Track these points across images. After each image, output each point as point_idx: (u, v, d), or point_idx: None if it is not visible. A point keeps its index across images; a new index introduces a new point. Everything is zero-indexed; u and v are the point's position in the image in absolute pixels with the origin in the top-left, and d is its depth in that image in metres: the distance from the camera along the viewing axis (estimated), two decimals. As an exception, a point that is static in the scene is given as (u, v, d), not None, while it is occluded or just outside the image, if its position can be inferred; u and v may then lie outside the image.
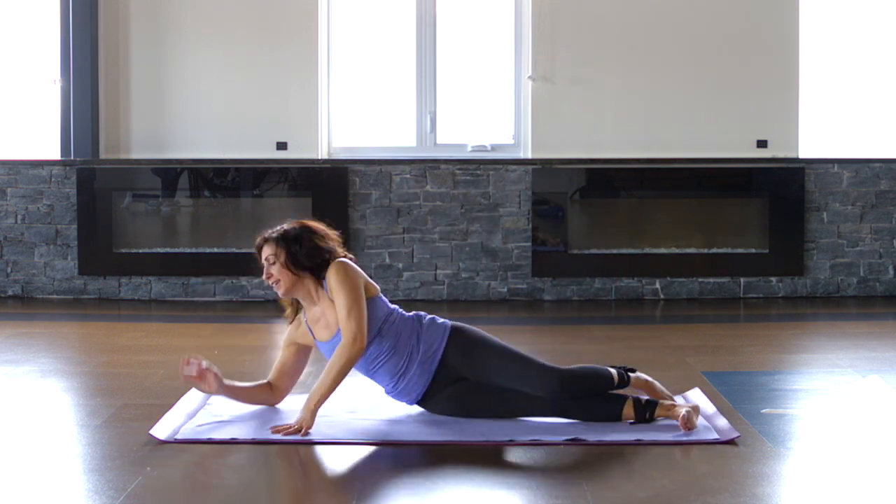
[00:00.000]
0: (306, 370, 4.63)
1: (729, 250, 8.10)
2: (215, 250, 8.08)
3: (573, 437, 4.08)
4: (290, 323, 4.50)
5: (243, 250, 7.94)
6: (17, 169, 8.09)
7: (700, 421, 4.24)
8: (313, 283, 4.32)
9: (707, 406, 4.45)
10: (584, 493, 3.50)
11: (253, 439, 4.09)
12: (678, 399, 4.48)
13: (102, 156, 8.24)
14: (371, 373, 4.37)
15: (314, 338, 4.38)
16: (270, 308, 4.34)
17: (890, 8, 8.39)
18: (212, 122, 8.26)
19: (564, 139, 8.18)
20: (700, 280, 8.05)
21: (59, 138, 8.30)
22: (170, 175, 8.12)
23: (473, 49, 8.42)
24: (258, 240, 4.39)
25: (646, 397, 4.32)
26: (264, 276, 4.33)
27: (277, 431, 4.14)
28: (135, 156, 8.26)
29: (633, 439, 4.06)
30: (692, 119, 8.23)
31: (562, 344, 6.32)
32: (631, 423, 4.24)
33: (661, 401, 4.30)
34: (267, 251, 4.33)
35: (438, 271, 8.03)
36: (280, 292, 4.33)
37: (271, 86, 8.23)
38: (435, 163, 8.05)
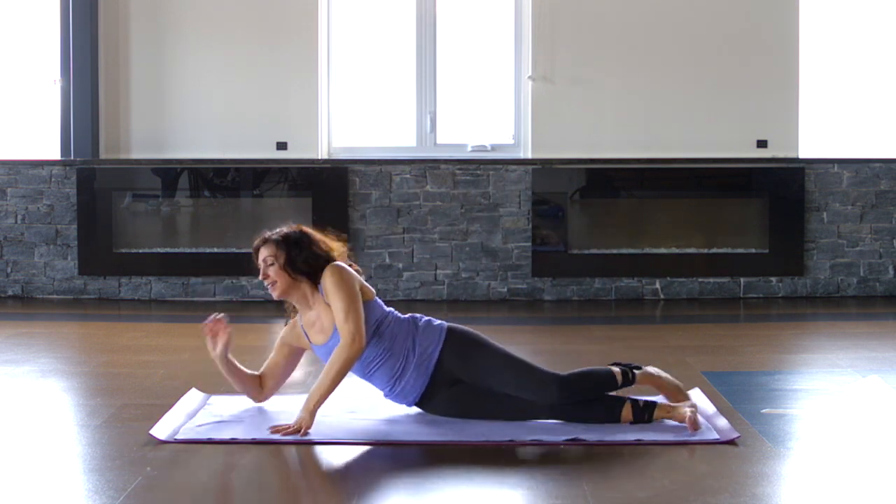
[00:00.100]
0: (306, 370, 4.63)
1: (729, 250, 8.10)
2: (215, 250, 8.08)
3: (573, 437, 4.07)
4: (288, 321, 4.49)
5: (243, 250, 7.91)
6: (17, 169, 8.09)
7: (700, 421, 4.24)
8: (309, 287, 4.33)
9: (707, 406, 4.45)
10: (584, 493, 3.50)
11: (253, 439, 4.09)
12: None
13: (102, 156, 8.24)
14: (368, 376, 4.37)
15: (310, 342, 4.38)
16: (270, 308, 4.35)
17: (890, 8, 8.39)
18: (212, 122, 8.26)
19: (564, 139, 8.18)
20: (700, 280, 8.05)
21: (59, 138, 8.30)
22: (170, 175, 8.12)
23: (473, 49, 8.42)
24: (256, 241, 4.39)
25: (644, 398, 4.31)
26: (261, 277, 4.33)
27: (277, 431, 4.14)
28: (135, 156, 8.26)
29: (633, 439, 4.06)
30: (692, 119, 8.23)
31: (562, 344, 6.32)
32: (630, 424, 4.23)
33: (660, 402, 4.30)
34: (266, 252, 4.33)
35: (438, 271, 8.03)
36: (275, 294, 4.33)
37: (271, 86, 8.23)
38: (435, 163, 8.05)
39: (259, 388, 4.51)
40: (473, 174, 8.03)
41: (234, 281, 7.99)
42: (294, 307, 4.45)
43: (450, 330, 4.37)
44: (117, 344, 6.29)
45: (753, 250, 8.09)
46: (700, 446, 4.01)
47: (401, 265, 8.02)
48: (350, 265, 4.39)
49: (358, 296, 4.26)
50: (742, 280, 8.06)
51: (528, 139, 8.24)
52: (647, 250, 8.10)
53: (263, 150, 8.20)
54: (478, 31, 8.43)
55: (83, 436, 4.22)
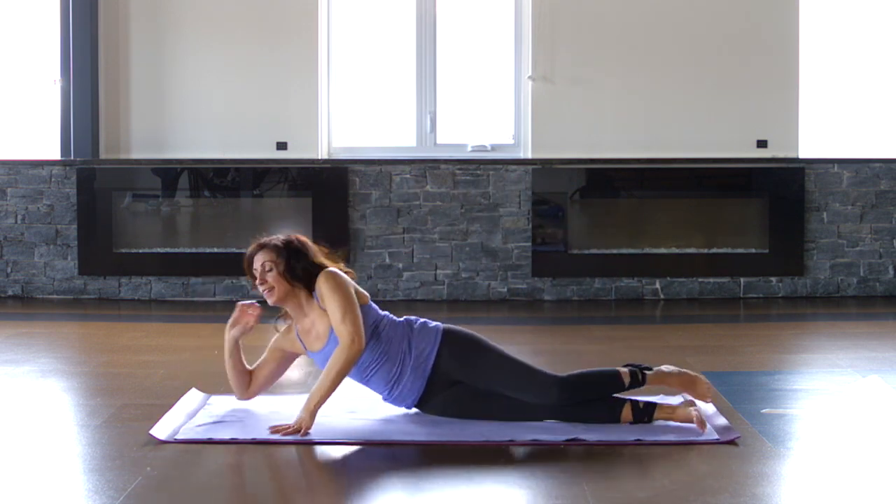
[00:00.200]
0: (306, 370, 4.63)
1: (729, 250, 8.10)
2: (215, 250, 8.08)
3: (573, 437, 4.07)
4: (278, 321, 4.48)
5: (243, 250, 7.88)
6: (17, 169, 8.09)
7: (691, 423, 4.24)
8: (305, 294, 4.33)
9: (707, 406, 4.45)
10: (584, 493, 3.50)
11: (253, 439, 4.09)
12: (685, 398, 4.45)
13: (102, 156, 8.24)
14: (365, 380, 4.37)
15: (305, 348, 4.38)
16: (270, 308, 4.35)
17: (890, 8, 8.39)
18: (212, 122, 8.26)
19: (564, 139, 8.18)
20: (700, 280, 8.05)
21: (59, 138, 8.30)
22: (170, 175, 8.12)
23: (473, 49, 8.42)
24: (251, 247, 4.38)
25: (645, 399, 4.31)
26: (258, 282, 4.31)
27: (277, 431, 4.14)
28: (135, 156, 8.26)
29: (632, 439, 4.06)
30: (692, 119, 8.23)
31: (562, 344, 6.32)
32: (630, 425, 4.23)
33: (661, 403, 4.30)
34: (264, 257, 4.32)
35: (438, 271, 8.03)
36: (272, 300, 4.32)
37: (271, 86, 8.24)
38: (435, 163, 8.05)
39: (248, 385, 4.51)
40: (473, 174, 8.03)
41: (234, 281, 7.99)
42: (286, 314, 4.44)
43: (445, 331, 4.37)
44: (117, 344, 6.29)
45: (753, 250, 8.09)
46: (700, 446, 4.01)
47: (401, 265, 8.02)
48: (346, 272, 4.39)
49: (354, 299, 4.27)
50: (742, 280, 8.06)
51: (528, 139, 8.24)
52: (647, 250, 8.10)
53: (263, 150, 8.20)
54: (478, 31, 8.43)
55: (83, 436, 4.22)
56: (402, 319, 4.41)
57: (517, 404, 4.28)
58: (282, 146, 8.22)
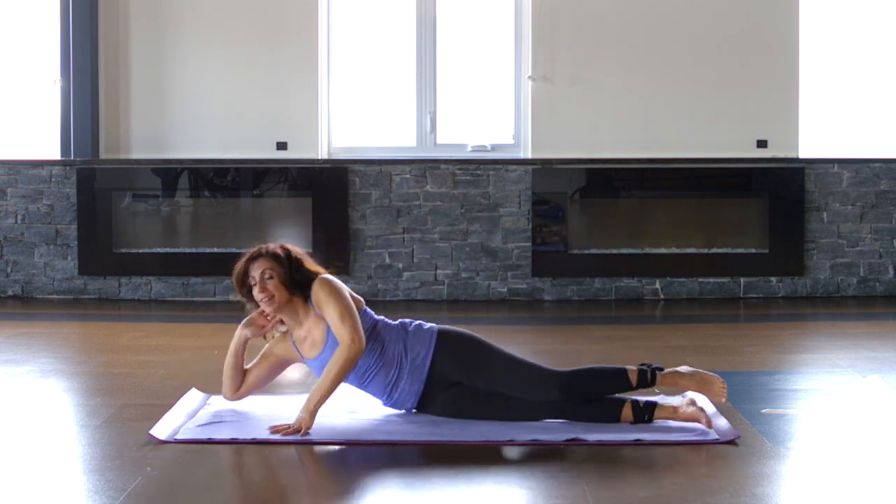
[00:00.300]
0: (305, 370, 4.62)
1: (729, 250, 8.10)
2: (215, 250, 8.08)
3: (573, 437, 4.08)
4: (272, 334, 4.47)
5: (243, 250, 7.90)
6: (17, 169, 8.09)
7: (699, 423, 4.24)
8: (301, 302, 4.33)
9: (707, 406, 4.44)
10: (584, 493, 3.50)
11: (253, 439, 4.09)
12: (685, 397, 4.44)
13: (102, 156, 8.24)
14: (364, 386, 4.37)
15: (301, 356, 4.38)
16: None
17: (890, 8, 8.39)
18: (212, 122, 8.26)
19: (564, 139, 8.18)
20: (700, 280, 8.05)
21: (59, 138, 8.30)
22: (170, 175, 8.12)
23: (473, 49, 8.42)
24: (242, 260, 4.33)
25: (645, 399, 4.31)
26: (258, 291, 4.28)
27: (277, 431, 4.14)
28: (135, 156, 8.26)
29: (632, 439, 4.06)
30: (692, 119, 8.23)
31: (562, 344, 6.32)
32: (630, 424, 4.23)
33: (661, 402, 4.29)
34: (264, 265, 4.30)
35: (438, 271, 8.03)
36: (271, 308, 4.30)
37: (271, 86, 8.24)
38: (435, 163, 8.05)
39: (239, 386, 4.50)
40: (473, 174, 8.03)
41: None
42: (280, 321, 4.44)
43: (441, 332, 4.37)
44: (117, 344, 6.29)
45: (753, 250, 8.09)
46: (700, 446, 4.01)
47: (401, 265, 8.02)
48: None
49: (351, 302, 4.28)
50: (742, 280, 8.06)
51: (528, 139, 8.24)
52: (647, 250, 8.10)
53: (263, 150, 8.20)
54: (478, 31, 8.43)
55: (83, 436, 4.22)
56: (396, 322, 4.41)
57: (517, 404, 4.28)
58: (282, 146, 8.22)
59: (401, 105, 8.43)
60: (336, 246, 7.99)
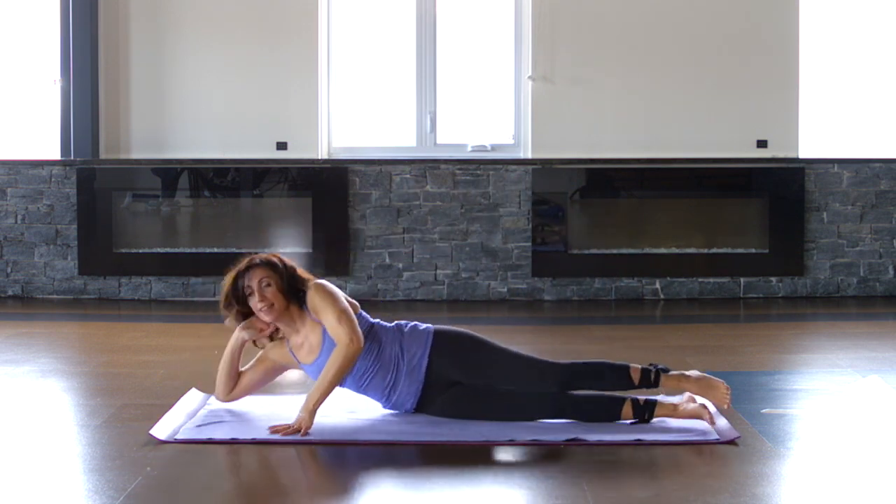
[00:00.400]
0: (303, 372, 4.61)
1: (729, 250, 8.10)
2: (215, 250, 8.08)
3: (573, 437, 4.08)
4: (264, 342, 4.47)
5: (243, 250, 7.93)
6: (17, 169, 8.09)
7: (700, 423, 4.24)
8: (297, 309, 4.33)
9: (707, 406, 4.44)
10: (584, 493, 3.50)
11: (253, 439, 4.09)
12: (683, 397, 4.44)
13: (102, 156, 8.24)
14: (362, 389, 4.37)
15: (298, 362, 4.38)
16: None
17: (890, 8, 8.39)
18: (212, 122, 8.26)
19: (564, 139, 8.18)
20: (700, 280, 8.05)
21: (59, 138, 8.30)
22: (170, 175, 8.12)
23: (473, 49, 8.42)
24: (233, 273, 4.31)
25: (645, 397, 4.31)
26: (257, 300, 4.26)
27: (277, 431, 4.14)
28: (135, 156, 8.26)
29: (632, 439, 4.06)
30: (692, 119, 8.23)
31: (562, 344, 6.32)
32: (631, 423, 4.23)
33: (661, 400, 4.29)
34: (260, 275, 4.28)
35: (438, 271, 8.03)
36: (271, 317, 4.29)
37: (271, 86, 8.24)
38: (435, 163, 8.05)
39: (233, 387, 4.50)
40: (473, 174, 8.03)
41: (234, 281, 7.98)
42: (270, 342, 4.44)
43: (436, 333, 4.37)
44: (117, 344, 6.29)
45: (753, 250, 8.09)
46: (700, 446, 4.01)
47: (401, 265, 8.02)
48: None
49: (347, 304, 4.28)
50: (742, 280, 8.06)
51: (528, 139, 8.24)
52: (647, 250, 8.10)
53: (263, 150, 8.20)
54: (478, 31, 8.43)
55: (83, 436, 4.22)
56: (392, 325, 4.42)
57: (517, 404, 4.28)
58: (282, 146, 8.22)
59: (401, 105, 8.43)
60: (336, 246, 7.99)
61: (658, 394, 4.44)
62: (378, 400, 4.39)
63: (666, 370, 4.35)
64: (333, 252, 7.97)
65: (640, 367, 4.34)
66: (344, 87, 8.43)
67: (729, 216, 8.23)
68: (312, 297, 4.29)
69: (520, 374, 4.29)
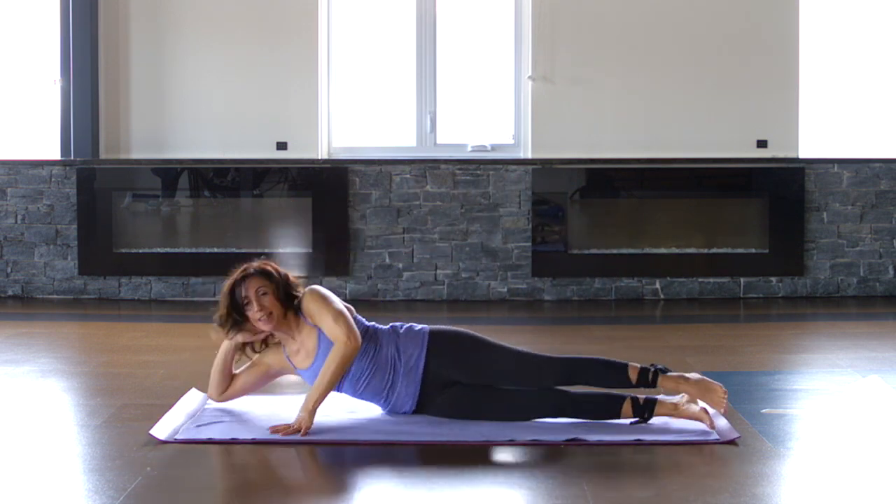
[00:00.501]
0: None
1: (729, 250, 8.10)
2: (215, 250, 8.08)
3: (573, 437, 4.08)
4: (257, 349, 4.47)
5: (243, 250, 7.95)
6: (17, 169, 8.09)
7: (700, 423, 4.24)
8: (293, 315, 4.33)
9: (708, 410, 4.44)
10: (584, 493, 3.50)
11: (253, 439, 4.09)
12: (683, 398, 4.44)
13: (102, 156, 8.24)
14: (360, 393, 4.37)
15: (294, 367, 4.38)
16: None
17: (890, 8, 8.39)
18: (212, 122, 8.26)
19: (564, 139, 8.18)
20: (700, 280, 8.05)
21: (59, 138, 8.30)
22: (170, 175, 8.12)
23: (473, 49, 8.42)
24: (227, 285, 4.31)
25: (645, 396, 4.31)
26: (255, 310, 4.26)
27: (277, 431, 4.14)
28: (135, 156, 8.26)
29: (632, 439, 4.06)
30: (692, 119, 8.23)
31: (562, 344, 6.32)
32: (631, 423, 4.23)
33: (661, 399, 4.29)
34: (256, 284, 4.27)
35: (438, 271, 8.03)
36: (270, 326, 4.29)
37: (271, 86, 8.24)
38: (435, 163, 8.05)
39: (226, 389, 4.50)
40: (473, 174, 8.03)
41: (234, 281, 7.98)
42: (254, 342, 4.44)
43: (432, 333, 4.37)
44: (117, 344, 6.29)
45: (753, 250, 8.09)
46: (700, 446, 4.01)
47: (401, 265, 8.02)
48: None
49: (342, 306, 4.29)
50: (742, 280, 8.06)
51: (528, 139, 8.24)
52: (647, 250, 8.10)
53: (263, 150, 8.20)
54: (478, 31, 8.43)
55: (83, 436, 4.22)
56: (387, 327, 4.42)
57: (517, 404, 4.28)
58: (282, 146, 8.22)
59: (401, 105, 8.43)
60: (336, 246, 7.99)
61: (657, 394, 4.44)
62: (377, 403, 4.39)
63: (665, 370, 4.35)
64: (333, 252, 7.97)
65: (638, 365, 4.34)
66: (344, 87, 8.43)
67: (729, 216, 8.23)
68: (308, 302, 4.30)
69: (518, 371, 4.30)
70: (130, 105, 8.30)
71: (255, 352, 4.44)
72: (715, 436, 4.10)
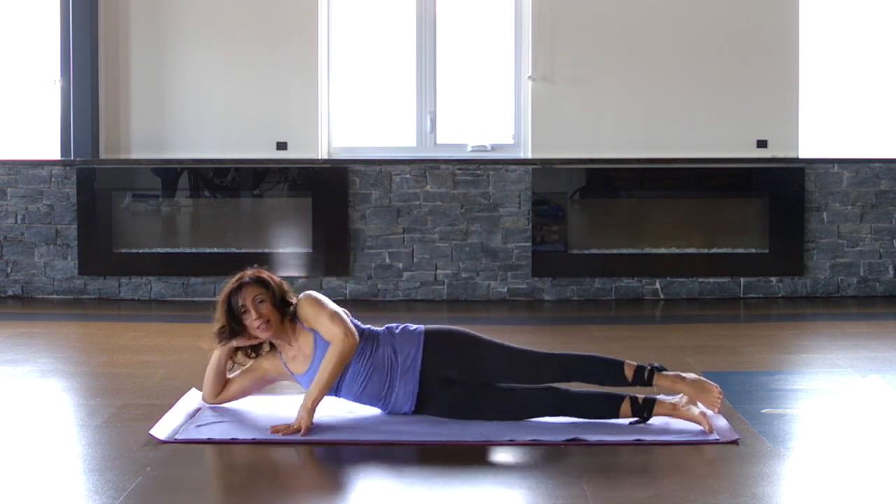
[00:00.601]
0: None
1: (729, 250, 8.10)
2: (215, 250, 8.08)
3: (573, 437, 4.08)
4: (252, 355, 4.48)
5: (243, 250, 7.95)
6: (17, 169, 8.09)
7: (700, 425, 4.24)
8: (289, 322, 4.34)
9: (707, 414, 4.43)
10: (584, 493, 3.50)
11: (253, 439, 4.09)
12: (682, 398, 4.44)
13: (102, 156, 8.24)
14: (359, 396, 4.37)
15: (291, 373, 4.38)
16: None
17: (890, 8, 8.39)
18: (212, 122, 8.26)
19: (564, 139, 8.18)
20: (700, 280, 8.05)
21: (59, 138, 8.30)
22: (170, 175, 8.12)
23: (473, 49, 8.42)
24: (223, 295, 4.32)
25: (644, 396, 4.31)
26: (253, 318, 4.27)
27: (277, 431, 4.14)
28: (135, 156, 8.26)
29: (632, 439, 4.06)
30: (692, 119, 8.23)
31: (562, 344, 6.31)
32: (631, 423, 4.23)
33: (661, 399, 4.29)
34: (252, 292, 4.28)
35: (438, 271, 8.03)
36: (268, 334, 4.29)
37: (271, 86, 8.24)
38: (435, 163, 8.05)
39: (220, 391, 4.50)
40: (473, 174, 8.03)
41: (234, 281, 7.98)
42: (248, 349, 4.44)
43: (427, 333, 4.38)
44: (117, 344, 6.29)
45: (753, 250, 8.09)
46: (700, 446, 4.01)
47: (401, 265, 8.02)
48: None
49: (337, 307, 4.30)
50: (742, 280, 8.06)
51: (528, 139, 8.24)
52: (647, 250, 8.10)
53: (263, 150, 8.20)
54: (478, 31, 8.43)
55: (83, 436, 4.22)
56: (383, 328, 4.43)
57: (517, 403, 4.28)
58: (282, 146, 8.22)
59: (401, 105, 8.43)
60: (336, 246, 7.99)
61: (653, 393, 4.44)
62: (376, 405, 4.39)
63: (661, 369, 4.35)
64: (333, 252, 7.97)
65: (634, 363, 4.34)
66: (344, 87, 8.43)
67: (729, 216, 8.23)
68: (304, 307, 4.31)
69: (514, 368, 4.31)
70: (130, 105, 8.30)
71: (247, 356, 4.45)
72: (715, 436, 4.10)
